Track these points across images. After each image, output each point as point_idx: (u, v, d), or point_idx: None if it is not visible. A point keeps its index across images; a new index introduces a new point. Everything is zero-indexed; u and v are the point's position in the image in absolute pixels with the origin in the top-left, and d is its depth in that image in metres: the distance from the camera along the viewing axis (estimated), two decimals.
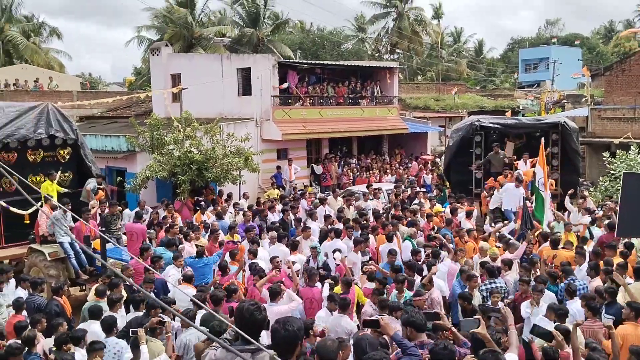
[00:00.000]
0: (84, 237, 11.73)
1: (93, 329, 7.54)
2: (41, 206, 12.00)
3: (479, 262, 10.03)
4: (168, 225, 12.68)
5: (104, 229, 11.83)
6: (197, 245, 11.18)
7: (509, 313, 5.25)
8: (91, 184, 13.65)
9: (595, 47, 66.47)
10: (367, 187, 17.24)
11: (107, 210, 12.86)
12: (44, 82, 32.88)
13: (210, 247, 11.40)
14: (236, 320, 3.69)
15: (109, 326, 7.20)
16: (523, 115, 33.34)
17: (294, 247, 10.92)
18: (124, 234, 13.20)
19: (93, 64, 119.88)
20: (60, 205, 11.06)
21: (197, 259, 10.16)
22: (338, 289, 8.63)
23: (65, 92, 30.90)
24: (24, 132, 12.85)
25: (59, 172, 13.30)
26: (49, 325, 7.53)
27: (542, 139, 14.52)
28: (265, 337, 6.08)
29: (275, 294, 7.94)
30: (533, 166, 15.55)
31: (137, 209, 14.67)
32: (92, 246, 11.78)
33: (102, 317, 7.49)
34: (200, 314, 7.54)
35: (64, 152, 13.66)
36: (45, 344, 7.32)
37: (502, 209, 14.63)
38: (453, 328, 6.06)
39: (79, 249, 11.36)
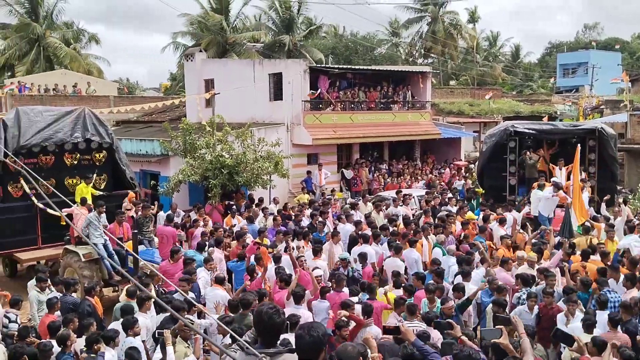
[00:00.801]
0: (118, 239, 11.88)
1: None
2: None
3: (515, 272, 9.75)
4: (212, 228, 12.80)
5: (136, 231, 11.97)
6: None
7: (519, 322, 5.15)
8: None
9: (636, 52, 64.74)
10: (397, 193, 17.09)
11: (140, 212, 13.06)
12: (82, 87, 33.74)
13: (236, 250, 11.46)
14: (255, 323, 3.69)
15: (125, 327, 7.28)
16: (560, 120, 32.63)
17: (315, 252, 10.80)
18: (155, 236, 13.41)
19: (131, 70, 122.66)
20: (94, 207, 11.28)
21: (238, 262, 10.34)
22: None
23: (102, 97, 31.67)
24: (61, 135, 13.20)
25: (94, 174, 13.60)
26: (80, 325, 7.67)
27: (579, 144, 14.21)
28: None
29: (298, 298, 7.95)
30: (569, 173, 15.30)
31: (169, 212, 14.90)
32: (125, 248, 11.90)
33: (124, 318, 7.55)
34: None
35: (99, 156, 13.96)
36: (77, 343, 7.46)
37: (534, 215, 14.35)
38: (464, 337, 5.96)
39: (112, 251, 11.50)
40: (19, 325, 8.52)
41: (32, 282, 9.69)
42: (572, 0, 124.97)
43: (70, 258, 11.59)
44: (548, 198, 13.86)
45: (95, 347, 6.91)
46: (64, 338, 7.01)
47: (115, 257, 11.53)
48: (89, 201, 12.63)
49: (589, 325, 6.98)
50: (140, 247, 12.04)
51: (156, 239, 13.15)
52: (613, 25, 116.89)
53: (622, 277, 8.94)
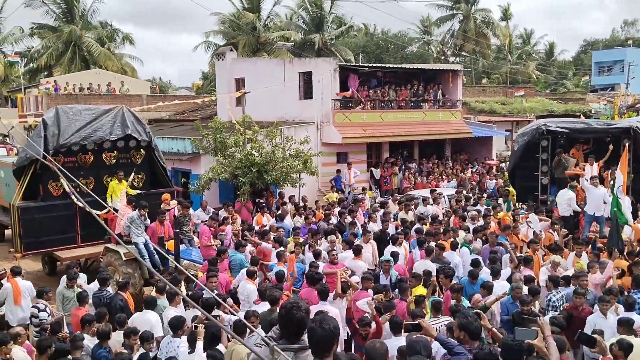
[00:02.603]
0: (158, 238, 11.94)
1: (147, 318, 7.91)
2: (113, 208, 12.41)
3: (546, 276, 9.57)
4: (265, 229, 12.72)
5: (177, 230, 11.86)
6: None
7: (546, 324, 5.07)
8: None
9: None
10: (431, 192, 16.98)
11: (180, 211, 13.14)
12: (115, 86, 34.44)
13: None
14: (279, 318, 3.73)
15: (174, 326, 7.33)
16: (595, 119, 31.93)
17: (356, 252, 10.73)
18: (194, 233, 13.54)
19: (164, 69, 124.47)
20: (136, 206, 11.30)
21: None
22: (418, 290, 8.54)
23: (135, 96, 32.29)
24: (100, 134, 13.15)
25: (133, 173, 13.59)
26: (111, 320, 7.85)
27: (625, 142, 13.90)
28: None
29: (324, 294, 8.00)
30: (600, 169, 14.99)
31: (200, 209, 15.11)
32: (166, 247, 11.95)
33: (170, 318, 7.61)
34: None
35: (137, 154, 13.92)
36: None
37: (562, 215, 14.08)
38: (494, 329, 5.93)
39: (153, 250, 11.50)
40: (49, 315, 8.78)
41: (63, 278, 9.89)
42: None
43: (111, 257, 11.67)
44: (592, 192, 13.47)
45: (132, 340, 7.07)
46: (104, 333, 7.17)
47: (156, 256, 11.55)
48: (120, 199, 12.75)
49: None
50: (181, 247, 11.99)
51: (196, 239, 13.31)
52: None
53: None
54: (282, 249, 11.27)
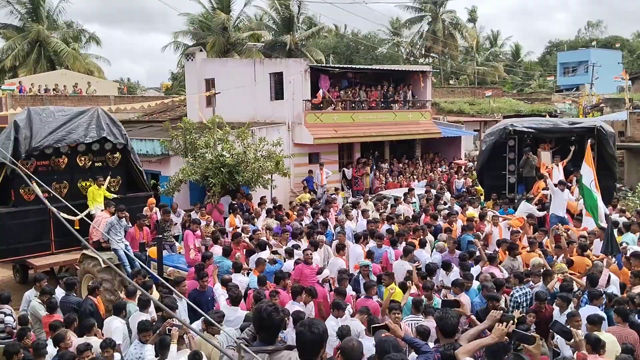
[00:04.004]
0: (140, 244, 11.71)
1: (114, 325, 7.80)
2: (90, 212, 12.14)
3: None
4: (251, 233, 12.44)
5: (160, 235, 11.66)
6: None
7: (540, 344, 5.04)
8: None
9: (636, 50, 64.65)
10: (409, 191, 17.18)
11: (161, 216, 12.94)
12: (82, 87, 33.82)
13: (233, 250, 11.52)
14: (254, 320, 3.74)
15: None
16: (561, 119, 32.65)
17: (337, 249, 11.02)
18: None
19: (132, 69, 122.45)
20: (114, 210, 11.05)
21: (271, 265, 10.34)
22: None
23: (102, 97, 31.73)
24: (75, 136, 12.76)
25: (108, 177, 13.28)
26: (81, 325, 7.71)
27: (590, 140, 14.27)
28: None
29: (295, 293, 8.04)
30: (564, 168, 15.37)
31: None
32: (147, 253, 11.73)
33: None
34: None
35: (113, 157, 13.59)
36: (76, 342, 7.50)
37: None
38: (472, 316, 6.03)
39: (134, 256, 11.13)
40: (15, 320, 8.59)
41: (29, 294, 9.47)
42: (571, 0, 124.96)
43: (89, 263, 11.32)
44: (557, 194, 13.79)
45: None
46: (59, 338, 7.00)
47: (137, 262, 11.08)
48: (101, 204, 12.43)
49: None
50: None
51: (177, 244, 13.09)
52: (613, 23, 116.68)
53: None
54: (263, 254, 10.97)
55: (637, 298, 7.92)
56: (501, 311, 5.43)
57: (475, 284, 9.04)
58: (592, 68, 47.44)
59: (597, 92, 44.66)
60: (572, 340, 4.90)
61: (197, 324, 7.66)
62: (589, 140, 13.99)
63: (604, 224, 11.45)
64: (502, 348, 4.87)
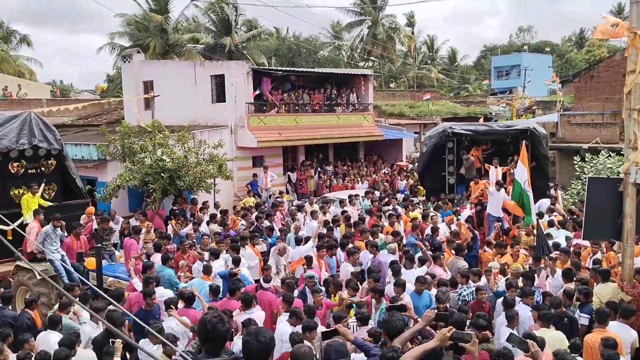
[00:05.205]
0: (77, 254, 11.29)
1: (49, 339, 7.42)
2: (23, 222, 11.55)
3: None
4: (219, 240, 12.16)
5: (99, 245, 11.25)
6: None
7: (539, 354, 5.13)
8: None
9: (565, 54, 67.72)
10: (349, 197, 17.18)
11: (99, 224, 12.46)
12: (12, 90, 32.32)
13: (178, 258, 11.23)
14: (199, 332, 3.62)
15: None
16: (495, 121, 33.83)
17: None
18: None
19: (65, 71, 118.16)
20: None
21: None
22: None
23: (34, 100, 30.39)
24: (6, 142, 12.16)
25: (43, 184, 12.69)
26: (16, 340, 7.33)
27: (525, 141, 14.79)
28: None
29: (248, 303, 7.91)
30: (504, 174, 15.87)
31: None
32: (85, 263, 11.32)
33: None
34: None
35: (47, 164, 13.00)
36: (12, 358, 7.14)
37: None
38: (416, 316, 6.12)
39: (71, 267, 10.74)
40: None
41: None
42: (503, 6, 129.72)
43: (24, 276, 10.80)
44: (494, 195, 14.21)
45: None
46: None
47: (74, 274, 10.63)
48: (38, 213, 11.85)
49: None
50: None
51: (117, 253, 12.65)
52: (544, 29, 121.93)
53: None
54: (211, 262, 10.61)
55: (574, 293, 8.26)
56: (435, 310, 5.50)
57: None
58: (524, 72, 49.38)
59: (529, 94, 46.54)
60: (530, 352, 4.98)
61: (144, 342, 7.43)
62: (524, 142, 14.51)
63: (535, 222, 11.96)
64: (435, 354, 4.73)
